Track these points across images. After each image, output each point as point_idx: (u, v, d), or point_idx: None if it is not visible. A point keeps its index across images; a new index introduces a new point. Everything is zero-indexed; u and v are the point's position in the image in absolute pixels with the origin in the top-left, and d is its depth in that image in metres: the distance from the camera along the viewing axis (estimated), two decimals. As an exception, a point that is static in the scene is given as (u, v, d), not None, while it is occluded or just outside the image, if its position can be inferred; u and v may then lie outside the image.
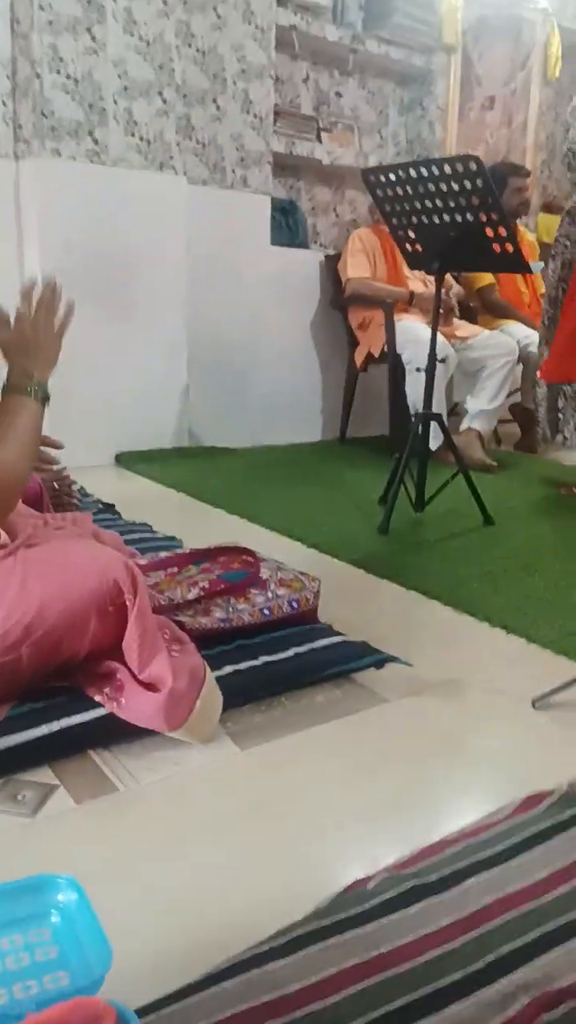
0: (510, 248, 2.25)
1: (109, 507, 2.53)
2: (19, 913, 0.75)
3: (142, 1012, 0.73)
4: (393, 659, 1.52)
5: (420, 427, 2.49)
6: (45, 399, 1.31)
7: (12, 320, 1.32)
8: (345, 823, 1.08)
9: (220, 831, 1.06)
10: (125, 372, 3.18)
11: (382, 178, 2.39)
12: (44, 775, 1.15)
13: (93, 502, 2.56)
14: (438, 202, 2.27)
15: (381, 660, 1.51)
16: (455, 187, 2.21)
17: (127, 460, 3.23)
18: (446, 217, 2.29)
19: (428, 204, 2.30)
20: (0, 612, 1.18)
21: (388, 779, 1.18)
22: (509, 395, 3.55)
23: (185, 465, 3.22)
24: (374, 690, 1.44)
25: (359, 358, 3.65)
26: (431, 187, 2.25)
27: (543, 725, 1.34)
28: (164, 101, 3.08)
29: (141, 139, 3.06)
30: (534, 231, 4.58)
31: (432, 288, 3.50)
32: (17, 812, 1.07)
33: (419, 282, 3.60)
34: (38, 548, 1.29)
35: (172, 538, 2.21)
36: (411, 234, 2.43)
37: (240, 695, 1.35)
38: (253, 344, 3.59)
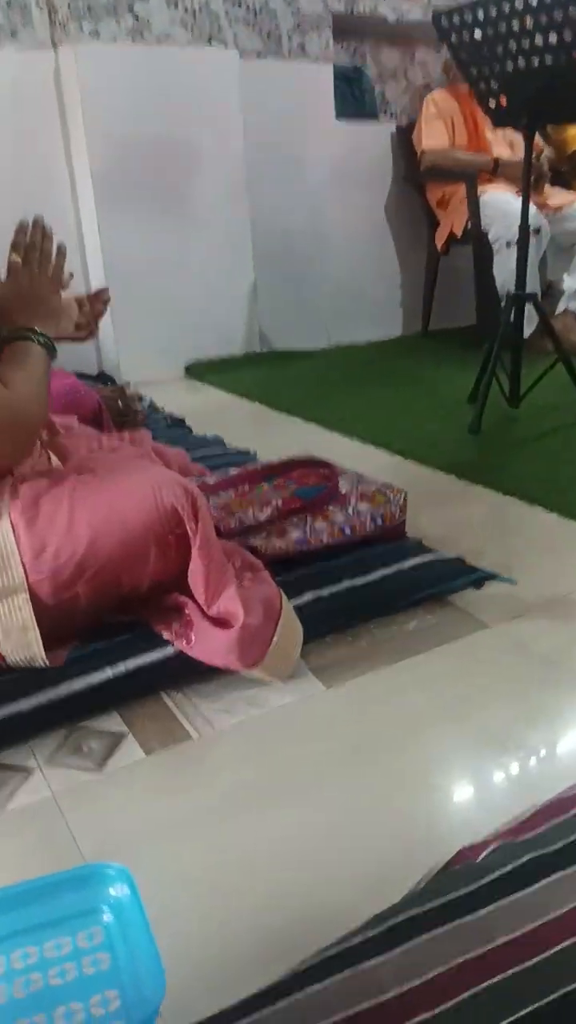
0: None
1: (180, 421, 2.40)
2: (67, 910, 0.64)
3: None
4: (493, 576, 1.36)
5: (512, 311, 2.22)
6: (51, 351, 1.16)
7: (4, 273, 1.16)
8: (447, 773, 0.95)
9: (305, 783, 0.94)
10: (188, 277, 2.98)
11: (457, 19, 2.07)
12: (112, 723, 1.05)
13: (163, 417, 2.44)
14: (524, 42, 1.94)
15: (480, 578, 1.35)
16: (543, 21, 1.87)
17: (197, 370, 3.07)
18: (535, 59, 1.95)
19: (513, 46, 1.97)
20: (49, 549, 1.06)
21: (494, 719, 1.03)
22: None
23: (258, 372, 3.04)
24: (473, 614, 1.28)
25: (440, 239, 3.32)
26: (515, 25, 1.92)
27: None
28: (208, -38, 2.76)
29: (185, 10, 2.76)
30: None
31: (520, 153, 3.14)
32: (82, 766, 0.98)
33: (505, 147, 3.22)
34: (88, 475, 1.16)
35: (245, 451, 2.07)
36: (494, 85, 2.11)
37: (323, 624, 1.22)
38: (322, 234, 3.32)
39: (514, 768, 0.94)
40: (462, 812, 0.89)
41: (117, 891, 0.64)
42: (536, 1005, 0.62)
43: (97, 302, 1.34)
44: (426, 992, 0.63)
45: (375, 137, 3.40)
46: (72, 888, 0.65)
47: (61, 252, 1.23)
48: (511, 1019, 0.61)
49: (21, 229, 1.20)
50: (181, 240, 2.93)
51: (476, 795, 0.92)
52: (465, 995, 0.63)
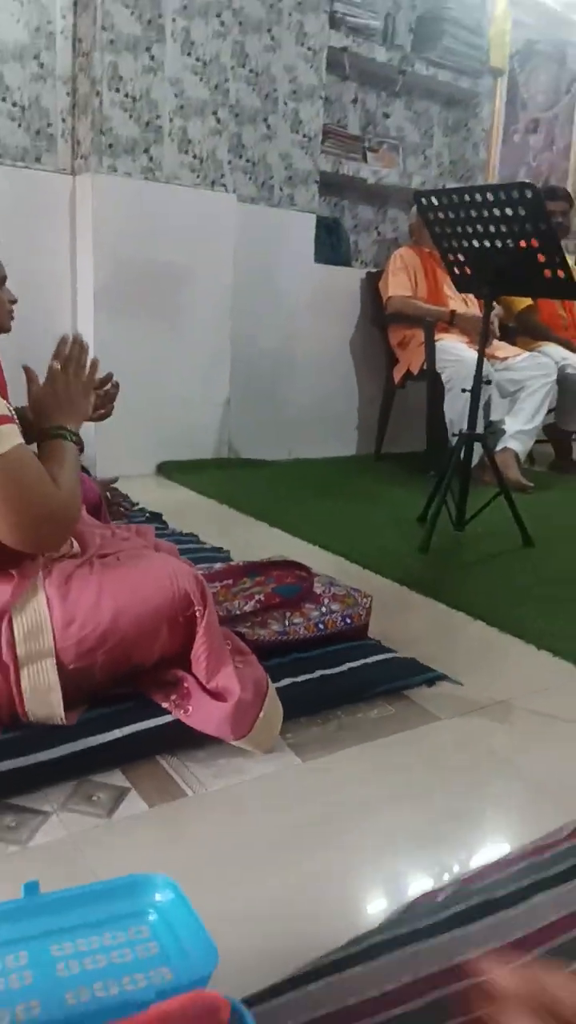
0: (562, 274, 2.29)
1: (156, 516, 2.59)
2: (117, 911, 0.79)
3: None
4: (444, 677, 1.56)
5: (463, 447, 2.52)
6: (81, 447, 1.36)
7: (45, 377, 1.38)
8: (406, 839, 1.12)
9: (285, 841, 1.10)
10: (169, 383, 3.24)
11: (434, 201, 2.44)
12: (116, 778, 1.20)
13: (139, 511, 2.62)
14: (490, 227, 2.31)
15: (433, 678, 1.55)
16: (508, 213, 2.25)
17: (168, 470, 3.29)
18: (497, 242, 2.33)
19: (480, 228, 2.34)
20: (77, 619, 1.23)
21: (444, 800, 1.21)
22: (547, 414, 3.58)
23: (225, 476, 3.27)
24: (426, 708, 1.47)
25: (397, 375, 3.69)
26: (484, 212, 2.29)
27: (595, 748, 1.37)
28: (218, 120, 3.15)
29: (194, 157, 3.13)
30: (574, 254, 4.60)
31: (473, 308, 3.56)
32: (93, 813, 1.12)
33: (459, 301, 3.64)
34: (112, 558, 1.34)
35: (220, 549, 2.26)
36: (461, 257, 2.48)
37: (298, 707, 1.39)
38: (292, 359, 3.65)
39: (463, 838, 1.12)
40: (417, 869, 1.06)
41: (162, 896, 0.79)
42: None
43: (109, 385, 1.56)
44: (399, 994, 0.80)
45: (346, 280, 3.80)
46: (121, 895, 0.80)
47: (94, 364, 1.44)
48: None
49: (63, 341, 1.41)
50: (167, 351, 3.20)
51: (428, 858, 1.09)
52: (433, 996, 0.79)
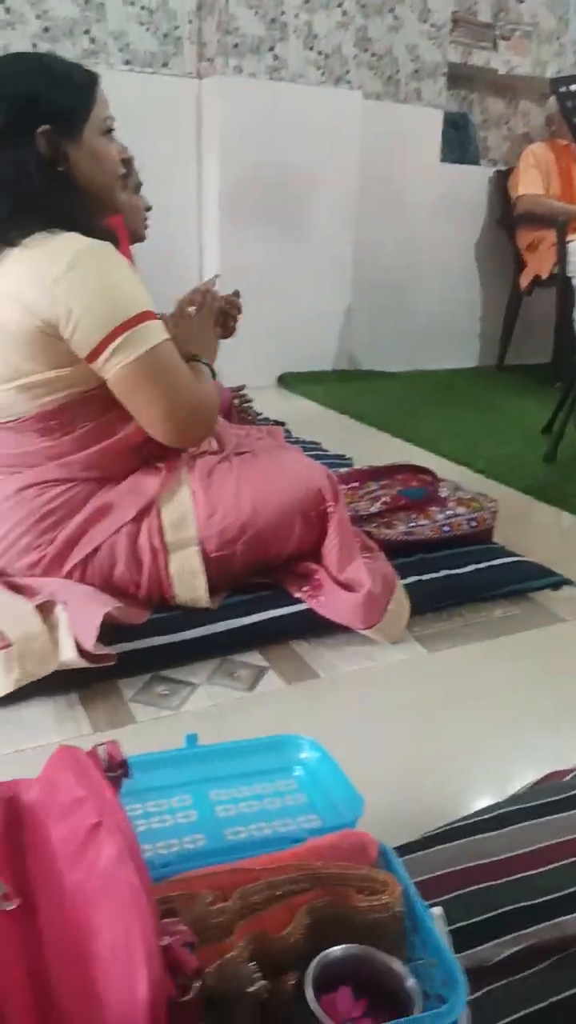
0: None
1: (280, 424, 2.63)
2: (267, 766, 0.87)
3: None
4: (569, 582, 1.56)
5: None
6: (214, 376, 1.41)
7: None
8: (530, 725, 1.16)
9: (415, 719, 1.16)
10: (292, 292, 3.24)
11: (574, 88, 2.29)
12: (255, 658, 1.28)
13: (262, 420, 2.67)
14: None
15: (558, 582, 1.56)
16: None
17: (290, 381, 3.32)
18: None
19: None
20: (219, 511, 1.30)
21: (569, 692, 1.24)
22: None
23: (345, 387, 3.28)
24: (551, 610, 1.49)
25: (525, 280, 3.54)
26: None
27: None
28: (344, 13, 3.03)
29: (319, 53, 3.03)
30: None
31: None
32: (236, 687, 1.21)
33: (597, 200, 3.43)
34: (249, 455, 1.40)
35: (342, 456, 2.30)
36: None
37: (424, 603, 1.43)
38: (415, 265, 3.56)
39: (588, 727, 1.15)
40: (545, 749, 1.10)
41: (307, 754, 0.87)
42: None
43: (234, 306, 1.58)
44: (529, 858, 0.85)
45: (474, 180, 3.64)
46: (271, 751, 0.88)
47: (234, 304, 1.48)
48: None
49: (196, 290, 1.46)
50: (289, 259, 3.19)
51: (553, 743, 1.13)
52: (564, 862, 0.85)
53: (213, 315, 1.46)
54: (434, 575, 1.52)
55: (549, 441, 2.40)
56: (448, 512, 1.67)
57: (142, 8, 2.86)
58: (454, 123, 3.63)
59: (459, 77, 3.67)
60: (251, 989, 0.60)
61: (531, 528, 1.90)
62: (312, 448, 2.36)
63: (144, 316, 1.18)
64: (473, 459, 2.35)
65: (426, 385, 3.44)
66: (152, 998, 0.49)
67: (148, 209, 1.55)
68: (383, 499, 1.68)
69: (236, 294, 1.56)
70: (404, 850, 0.87)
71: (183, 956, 0.53)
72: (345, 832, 0.70)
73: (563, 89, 2.33)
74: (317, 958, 0.63)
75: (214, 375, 1.42)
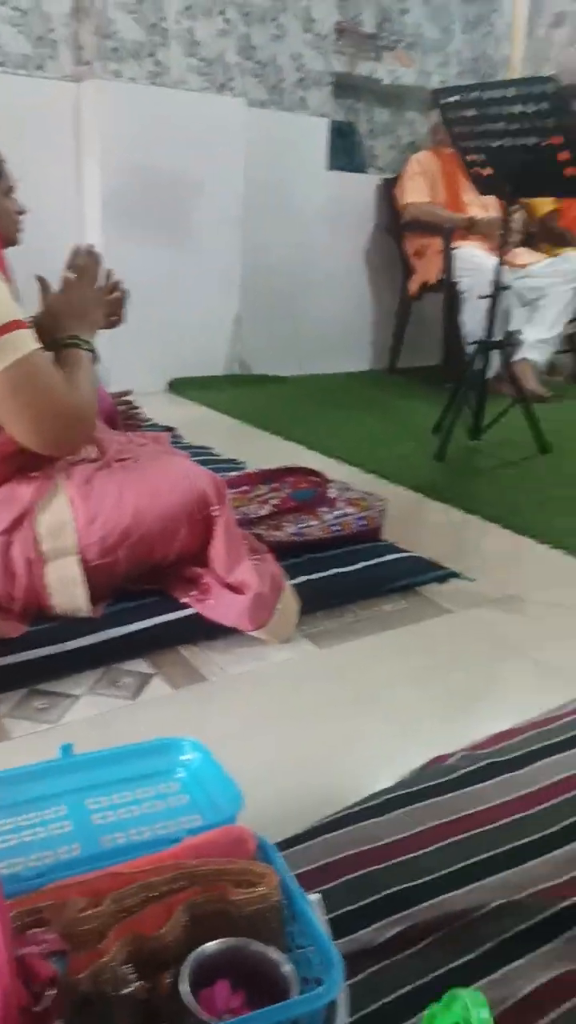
0: (581, 172, 2.22)
1: (169, 430, 2.61)
2: (148, 770, 0.85)
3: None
4: (456, 575, 1.60)
5: (480, 355, 2.51)
6: (94, 356, 1.37)
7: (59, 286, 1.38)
8: (419, 714, 1.17)
9: (306, 716, 1.16)
10: (180, 298, 3.21)
11: (454, 98, 2.36)
12: (141, 666, 1.26)
13: (150, 426, 2.64)
14: (512, 125, 2.24)
15: (445, 575, 1.59)
16: (530, 109, 2.18)
17: (180, 386, 3.29)
18: (519, 140, 2.26)
19: (501, 126, 2.27)
20: (100, 517, 1.27)
21: (456, 680, 1.27)
22: (568, 323, 3.53)
23: (237, 392, 3.28)
24: (439, 602, 1.52)
25: (414, 286, 3.63)
26: (505, 109, 2.22)
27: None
28: (226, 20, 3.04)
29: (201, 60, 3.03)
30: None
31: (493, 213, 3.47)
32: (120, 695, 1.18)
33: (479, 207, 3.55)
34: (131, 461, 1.38)
35: (234, 460, 2.29)
36: (482, 157, 2.41)
37: (314, 602, 1.44)
38: (305, 271, 3.59)
39: (471, 715, 1.18)
40: (430, 738, 1.11)
41: (190, 756, 0.85)
42: (489, 853, 0.85)
43: (117, 292, 1.55)
44: (410, 841, 0.86)
45: (361, 187, 3.71)
46: (152, 755, 0.86)
47: (108, 274, 1.45)
48: (470, 861, 0.84)
49: (76, 252, 1.42)
50: (176, 265, 3.16)
51: (439, 731, 1.14)
52: (439, 844, 0.86)
53: (95, 280, 1.42)
54: (323, 574, 1.53)
55: (439, 440, 2.46)
56: (337, 512, 1.68)
57: (14, 9, 2.79)
58: (340, 131, 3.69)
59: (345, 86, 3.74)
60: (126, 991, 0.60)
61: (421, 525, 1.94)
62: (202, 453, 2.35)
63: (12, 325, 1.15)
64: (365, 460, 2.39)
65: (319, 389, 3.47)
66: (2, 1008, 0.47)
67: (21, 213, 1.50)
68: (272, 502, 1.68)
69: (118, 282, 1.54)
70: (292, 842, 0.87)
71: (38, 965, 0.52)
72: (224, 828, 0.70)
73: (445, 100, 2.39)
74: (192, 954, 0.62)
75: (96, 357, 1.39)
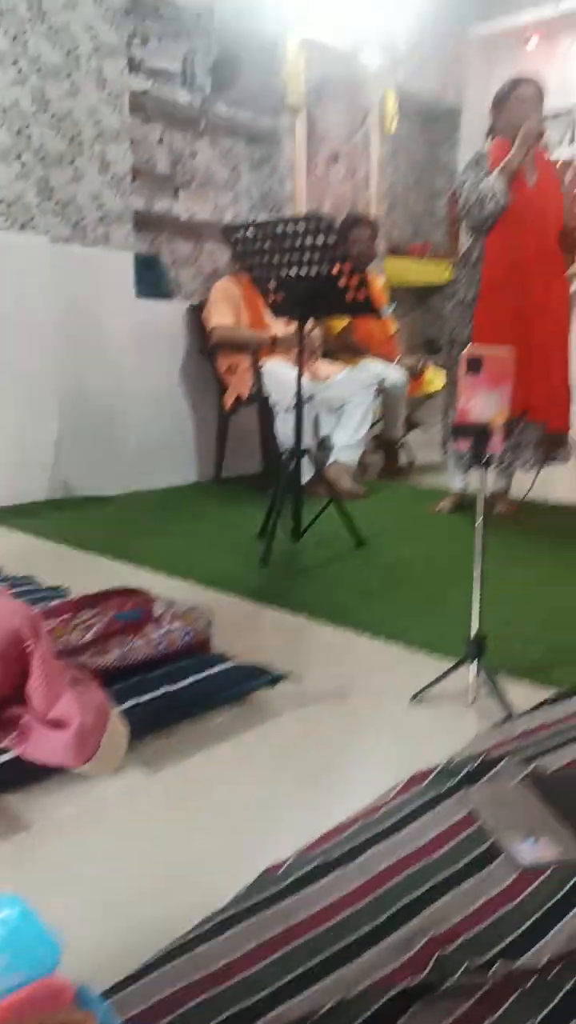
0: (363, 296, 2.46)
1: (-10, 562, 2.54)
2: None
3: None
4: (281, 677, 1.64)
5: (292, 463, 2.65)
6: None
7: None
8: (253, 827, 1.18)
9: (139, 848, 1.14)
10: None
11: (240, 234, 2.57)
12: (-42, 820, 1.19)
13: (-29, 560, 2.56)
14: (294, 255, 2.46)
15: (272, 679, 1.63)
16: (307, 241, 2.41)
17: (1, 516, 3.22)
18: (302, 269, 2.48)
19: (285, 257, 2.49)
20: None
21: (287, 784, 1.29)
22: (372, 426, 3.80)
23: (61, 516, 3.25)
24: (268, 707, 1.55)
25: (228, 400, 3.80)
26: (286, 242, 2.45)
27: (422, 716, 1.50)
28: (23, 165, 3.17)
29: (1, 201, 3.12)
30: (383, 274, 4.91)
31: (293, 330, 3.73)
32: None
33: (281, 324, 3.81)
34: None
35: (57, 588, 2.25)
36: (272, 284, 2.61)
37: (145, 726, 1.43)
38: (121, 393, 3.67)
39: (303, 816, 1.20)
40: (263, 850, 1.12)
41: (5, 913, 0.81)
42: (322, 956, 0.87)
43: None
44: (243, 961, 0.86)
45: (170, 313, 3.89)
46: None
47: None
48: (306, 968, 0.85)
49: None
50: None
51: (272, 838, 1.16)
52: (273, 957, 0.86)
53: None
54: (153, 694, 1.53)
55: (263, 545, 2.55)
56: (163, 629, 1.70)
57: None
58: (146, 263, 3.87)
59: (146, 222, 3.95)
60: None
61: (251, 630, 1.99)
62: (23, 584, 2.29)
63: None
64: (193, 571, 2.42)
65: (145, 505, 3.51)
66: None
67: None
68: (96, 627, 1.67)
69: None
70: (125, 983, 0.84)
71: None
72: (40, 982, 0.67)
73: (234, 237, 2.60)
74: None
75: None
